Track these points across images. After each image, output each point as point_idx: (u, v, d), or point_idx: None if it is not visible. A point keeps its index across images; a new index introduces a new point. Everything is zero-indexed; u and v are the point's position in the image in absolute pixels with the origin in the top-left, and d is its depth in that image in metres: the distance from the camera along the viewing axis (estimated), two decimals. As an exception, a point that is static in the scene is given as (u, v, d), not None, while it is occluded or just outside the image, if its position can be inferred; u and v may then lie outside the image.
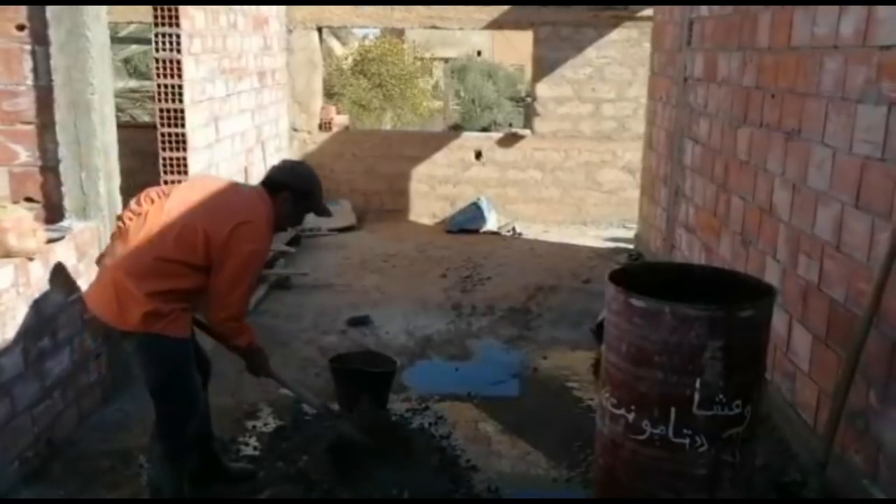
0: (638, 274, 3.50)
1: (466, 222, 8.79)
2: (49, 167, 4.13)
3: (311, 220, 8.38)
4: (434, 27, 9.23)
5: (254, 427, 4.05)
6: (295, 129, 9.23)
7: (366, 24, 10.43)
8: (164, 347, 3.01)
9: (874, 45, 3.28)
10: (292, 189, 3.25)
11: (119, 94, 8.82)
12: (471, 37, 22.12)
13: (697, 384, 2.95)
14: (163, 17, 5.63)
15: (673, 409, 3.00)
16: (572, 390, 4.68)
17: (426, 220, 9.26)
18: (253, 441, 3.92)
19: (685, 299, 3.01)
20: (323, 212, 3.41)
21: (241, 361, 3.38)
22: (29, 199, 4.15)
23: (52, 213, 4.16)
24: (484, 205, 8.88)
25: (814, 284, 3.75)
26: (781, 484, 3.47)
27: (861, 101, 3.36)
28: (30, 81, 4.04)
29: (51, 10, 3.98)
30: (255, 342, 3.25)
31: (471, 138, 9.50)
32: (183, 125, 5.73)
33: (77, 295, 3.95)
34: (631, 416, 3.10)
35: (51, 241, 3.79)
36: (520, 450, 3.95)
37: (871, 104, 3.27)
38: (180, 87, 5.69)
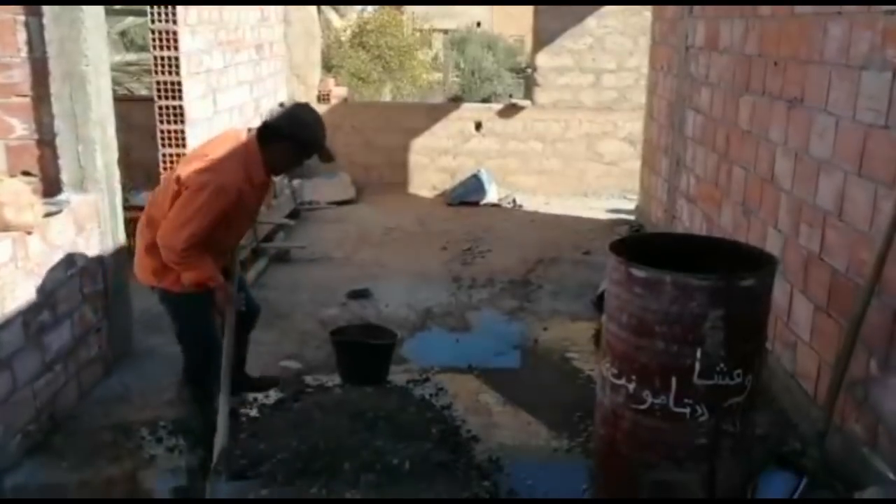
0: (639, 244, 3.49)
1: (466, 194, 8.76)
2: (45, 140, 4.10)
3: (309, 193, 8.43)
4: (433, -3, 9.12)
5: (255, 399, 4.06)
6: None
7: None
8: (175, 301, 3.38)
9: (879, 10, 3.23)
10: (293, 140, 3.26)
11: (116, 68, 8.74)
12: (470, 8, 21.89)
13: (698, 354, 2.95)
14: (158, -12, 5.57)
15: (674, 379, 3.00)
16: (573, 361, 4.68)
17: (426, 193, 9.22)
18: (254, 413, 3.93)
19: (686, 269, 2.99)
20: (326, 157, 3.37)
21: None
22: (26, 173, 4.11)
23: (50, 186, 4.13)
24: (484, 177, 8.84)
25: (815, 254, 3.74)
26: (781, 454, 3.48)
27: (865, 68, 3.32)
28: (24, 53, 3.99)
29: (44, -19, 3.93)
30: (202, 281, 3.27)
31: (470, 109, 9.44)
32: (180, 97, 5.69)
33: (76, 269, 3.95)
34: (632, 387, 3.10)
35: (48, 214, 3.77)
36: (520, 420, 3.96)
37: (876, 70, 3.23)
38: (177, 58, 5.64)
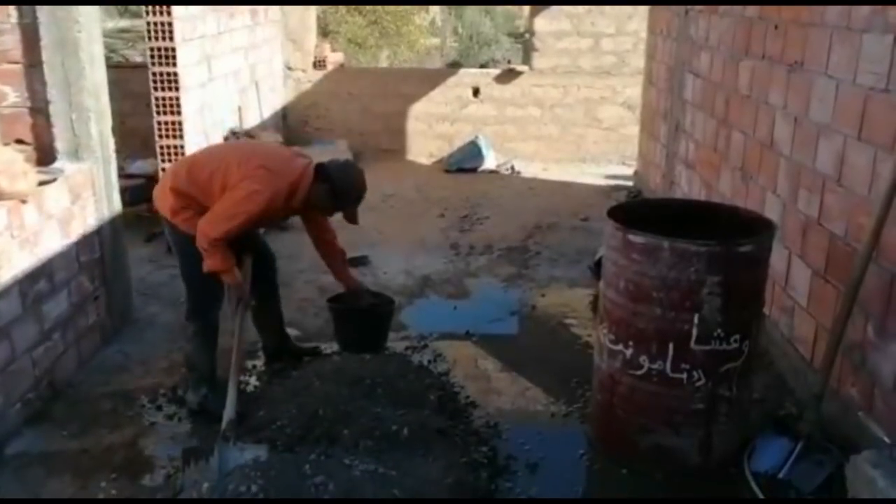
0: (637, 210, 3.48)
1: (465, 161, 8.71)
2: (38, 108, 4.06)
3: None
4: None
5: (254, 367, 4.08)
6: (289, 69, 9.08)
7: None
8: (181, 239, 3.52)
9: (881, -28, 3.18)
10: (336, 187, 3.58)
11: (109, 35, 8.65)
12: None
13: (696, 320, 2.96)
14: (150, -48, 5.47)
15: (671, 345, 3.01)
16: (570, 327, 4.69)
17: (424, 160, 9.17)
18: (253, 380, 3.95)
19: (684, 235, 2.99)
20: (351, 219, 3.73)
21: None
22: (19, 141, 4.08)
23: (44, 155, 4.10)
24: (482, 143, 8.79)
25: (814, 219, 3.72)
26: (778, 417, 3.50)
27: (866, 31, 3.28)
28: (14, 19, 3.93)
29: (33, -55, 3.86)
30: (219, 272, 3.43)
31: (468, 75, 9.34)
32: (174, 64, 5.62)
33: (72, 238, 3.93)
34: (629, 352, 3.12)
35: (43, 183, 3.74)
36: (518, 386, 3.98)
37: (877, 33, 3.19)
38: (170, 24, 5.56)
